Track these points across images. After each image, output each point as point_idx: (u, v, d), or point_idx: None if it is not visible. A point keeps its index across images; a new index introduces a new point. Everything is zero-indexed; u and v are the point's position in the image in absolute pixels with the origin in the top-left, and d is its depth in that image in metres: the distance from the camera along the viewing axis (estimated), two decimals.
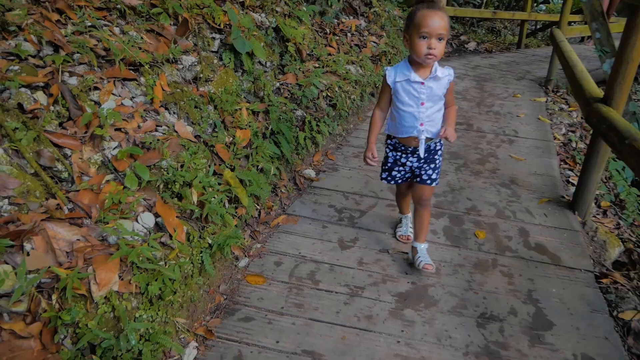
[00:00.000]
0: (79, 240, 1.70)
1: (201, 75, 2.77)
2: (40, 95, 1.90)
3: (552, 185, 3.35)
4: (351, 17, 5.47)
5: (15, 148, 1.71)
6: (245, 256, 2.46)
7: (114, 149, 2.04)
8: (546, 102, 5.42)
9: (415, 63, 2.01)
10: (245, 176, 2.57)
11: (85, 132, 1.97)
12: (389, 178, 2.36)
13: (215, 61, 2.94)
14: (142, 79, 2.37)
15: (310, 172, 3.33)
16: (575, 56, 3.88)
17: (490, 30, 10.59)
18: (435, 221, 2.85)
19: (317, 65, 4.10)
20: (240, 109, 2.91)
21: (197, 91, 2.71)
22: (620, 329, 2.12)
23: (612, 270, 2.58)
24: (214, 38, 3.00)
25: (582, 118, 4.74)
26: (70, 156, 1.88)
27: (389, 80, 2.07)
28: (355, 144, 3.93)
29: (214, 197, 2.27)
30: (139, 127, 2.19)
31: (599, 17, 4.49)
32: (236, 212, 2.49)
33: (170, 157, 2.19)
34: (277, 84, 3.56)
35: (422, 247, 2.38)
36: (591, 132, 2.94)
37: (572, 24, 9.16)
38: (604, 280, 2.42)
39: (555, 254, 2.58)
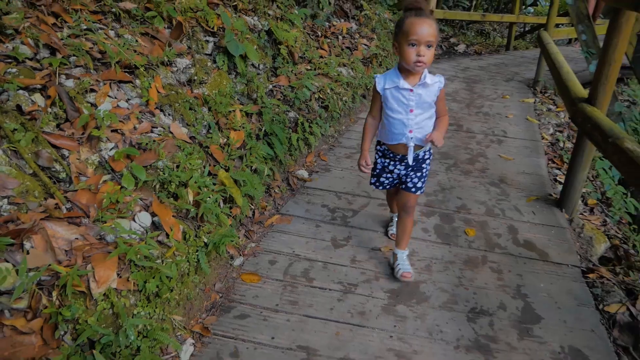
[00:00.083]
0: (77, 239, 1.73)
1: (195, 78, 2.81)
2: (38, 97, 1.93)
3: (540, 184, 3.43)
4: (342, 20, 5.54)
5: (14, 149, 1.74)
6: (240, 255, 2.50)
7: (111, 149, 2.07)
8: (534, 102, 5.52)
9: (405, 70, 2.01)
10: (240, 176, 2.61)
11: (83, 134, 2.00)
12: (377, 183, 2.39)
13: (209, 64, 2.98)
14: (138, 82, 2.41)
15: (303, 173, 3.38)
16: (562, 58, 3.96)
17: (479, 32, 10.72)
18: (427, 219, 2.91)
19: (309, 68, 4.15)
20: (234, 111, 2.95)
21: (191, 93, 2.75)
22: (606, 322, 2.18)
23: (598, 265, 2.65)
24: (207, 41, 3.04)
25: (569, 118, 4.84)
26: (68, 157, 1.92)
27: (379, 88, 2.08)
28: (347, 145, 3.98)
29: (209, 197, 2.31)
30: (135, 128, 2.23)
31: (584, 20, 4.59)
32: (231, 212, 2.53)
33: (166, 158, 2.23)
34: (270, 86, 3.61)
35: (402, 254, 2.40)
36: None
37: (560, 26, 9.31)
38: (591, 275, 2.48)
39: (543, 250, 2.64)
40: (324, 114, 3.94)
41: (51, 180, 1.83)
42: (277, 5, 4.14)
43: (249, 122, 3.05)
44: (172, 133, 2.41)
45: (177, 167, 2.28)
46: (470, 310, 2.20)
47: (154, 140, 2.24)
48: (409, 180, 2.25)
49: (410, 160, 2.14)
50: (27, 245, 1.58)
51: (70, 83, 2.09)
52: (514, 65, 7.57)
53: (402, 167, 2.24)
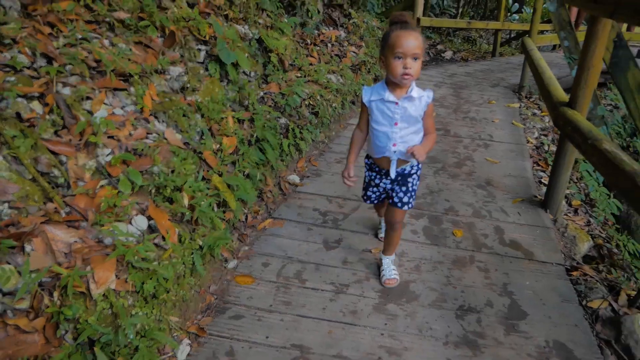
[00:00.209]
0: (76, 241, 1.78)
1: (188, 85, 2.87)
2: (36, 105, 1.98)
3: (526, 186, 3.52)
4: (331, 28, 5.64)
5: (14, 155, 1.79)
6: (234, 258, 2.55)
7: (107, 155, 2.12)
8: (520, 107, 5.64)
9: (392, 83, 1.99)
10: (233, 181, 2.67)
11: (80, 140, 2.05)
12: (364, 197, 2.40)
13: (202, 71, 3.04)
14: (132, 89, 2.46)
15: (294, 178, 3.44)
16: (544, 63, 4.08)
17: (466, 39, 10.90)
18: (415, 221, 2.98)
19: (299, 75, 4.23)
20: (226, 117, 3.01)
21: (184, 100, 2.81)
22: (589, 317, 2.27)
23: (582, 263, 2.74)
24: (199, 49, 3.10)
25: (552, 122, 4.95)
26: (66, 162, 1.97)
27: (365, 99, 2.06)
28: (337, 150, 4.06)
29: (204, 201, 2.37)
30: (130, 134, 2.28)
31: (567, 27, 4.73)
32: (224, 216, 2.58)
33: (161, 163, 2.28)
34: (261, 93, 3.68)
35: (387, 259, 2.45)
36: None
37: (544, 32, 9.50)
38: (574, 273, 2.57)
39: (528, 250, 2.73)
40: (314, 120, 4.01)
41: (50, 185, 1.87)
42: (267, 14, 4.22)
43: (241, 129, 3.12)
44: (166, 139, 2.47)
45: (172, 172, 2.33)
46: (458, 307, 2.27)
47: (149, 146, 2.29)
48: (394, 194, 2.23)
49: (392, 174, 2.14)
50: (27, 247, 1.63)
51: (67, 91, 2.14)
52: (499, 71, 7.72)
53: (388, 181, 2.23)
